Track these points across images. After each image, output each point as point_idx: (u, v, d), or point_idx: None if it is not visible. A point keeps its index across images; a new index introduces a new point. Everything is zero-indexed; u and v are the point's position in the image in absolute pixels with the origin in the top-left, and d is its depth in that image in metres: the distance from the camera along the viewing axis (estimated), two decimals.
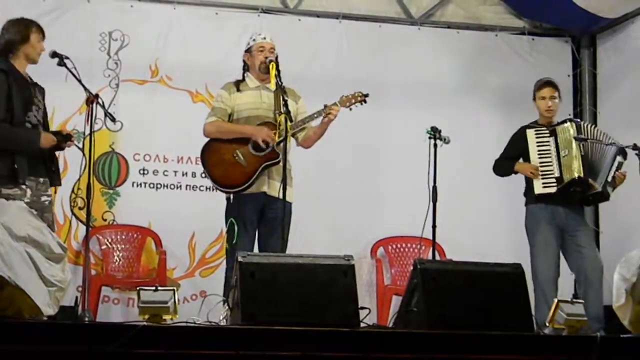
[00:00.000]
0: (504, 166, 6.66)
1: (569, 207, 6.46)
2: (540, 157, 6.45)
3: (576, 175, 6.31)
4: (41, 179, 5.75)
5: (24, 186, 5.62)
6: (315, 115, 6.00)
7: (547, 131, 6.48)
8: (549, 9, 8.19)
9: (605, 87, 8.34)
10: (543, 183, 6.40)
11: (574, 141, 6.36)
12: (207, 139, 6.10)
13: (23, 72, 5.73)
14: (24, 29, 5.74)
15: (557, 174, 6.38)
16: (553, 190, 6.38)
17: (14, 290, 4.14)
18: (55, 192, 6.17)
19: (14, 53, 5.69)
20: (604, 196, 6.48)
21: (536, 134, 6.50)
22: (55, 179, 5.84)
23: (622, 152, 6.37)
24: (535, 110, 6.65)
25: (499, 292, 4.62)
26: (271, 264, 4.41)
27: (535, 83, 6.68)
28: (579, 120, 6.89)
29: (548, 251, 6.40)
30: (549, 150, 6.45)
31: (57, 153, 5.87)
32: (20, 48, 5.69)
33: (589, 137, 6.40)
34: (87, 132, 5.65)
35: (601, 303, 6.26)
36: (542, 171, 6.42)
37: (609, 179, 6.36)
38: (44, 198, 5.77)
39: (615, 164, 6.37)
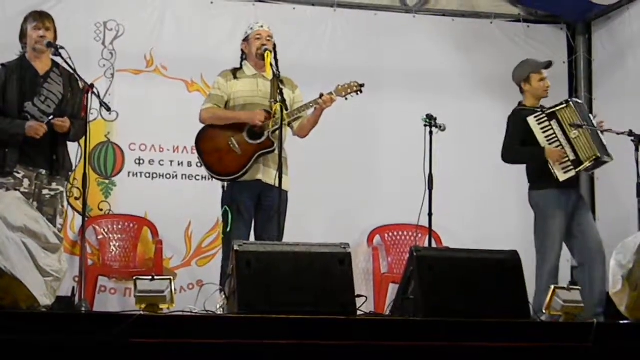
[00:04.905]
0: (525, 153, 6.48)
1: (578, 188, 6.50)
2: (550, 143, 6.38)
3: (598, 154, 6.28)
4: (42, 171, 5.77)
5: (18, 175, 5.65)
6: (311, 105, 5.98)
7: (545, 116, 6.43)
8: None
9: (600, 74, 8.33)
10: (563, 169, 6.32)
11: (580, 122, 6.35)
12: (202, 127, 6.09)
13: (37, 64, 5.90)
14: (22, 23, 5.97)
15: (572, 157, 6.31)
16: (573, 174, 6.31)
17: (10, 280, 4.14)
18: (71, 185, 6.15)
19: (24, 48, 5.93)
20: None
21: (537, 120, 6.43)
22: (57, 168, 5.83)
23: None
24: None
25: (496, 280, 4.63)
26: (267, 252, 4.41)
27: (523, 66, 6.61)
28: (575, 99, 6.89)
29: (558, 238, 6.33)
30: (554, 134, 6.37)
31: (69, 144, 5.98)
32: (24, 42, 5.93)
33: (585, 118, 6.40)
34: None
35: (604, 285, 6.17)
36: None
37: (605, 142, 6.37)
38: (45, 192, 5.78)
39: (596, 124, 6.40)
